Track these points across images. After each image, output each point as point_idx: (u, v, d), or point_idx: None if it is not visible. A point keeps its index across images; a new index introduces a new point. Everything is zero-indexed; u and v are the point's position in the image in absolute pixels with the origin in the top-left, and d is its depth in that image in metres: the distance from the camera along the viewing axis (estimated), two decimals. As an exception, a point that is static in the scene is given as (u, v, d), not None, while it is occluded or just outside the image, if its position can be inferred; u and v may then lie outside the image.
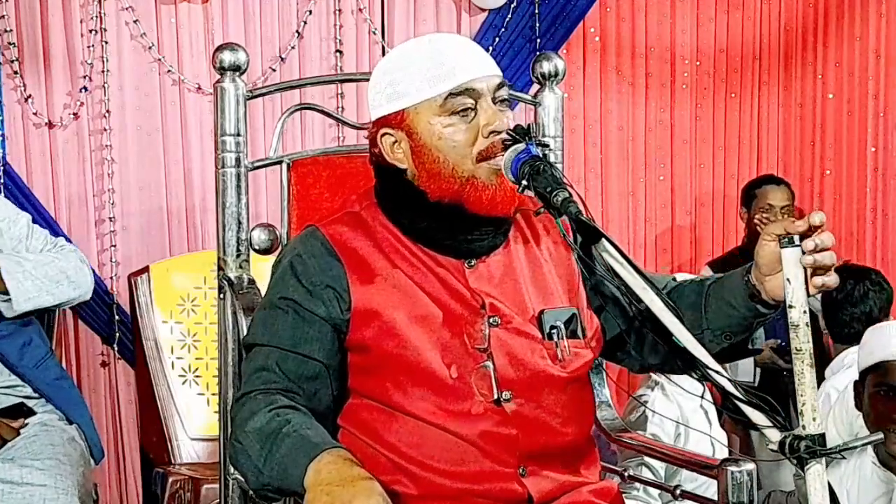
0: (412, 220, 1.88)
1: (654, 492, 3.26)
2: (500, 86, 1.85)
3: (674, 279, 2.03)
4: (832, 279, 1.68)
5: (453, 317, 1.85)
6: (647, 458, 3.15)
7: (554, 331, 1.87)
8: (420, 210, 1.86)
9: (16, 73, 3.90)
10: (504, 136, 1.80)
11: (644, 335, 1.98)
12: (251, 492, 1.92)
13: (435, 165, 1.83)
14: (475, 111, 1.82)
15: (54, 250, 2.95)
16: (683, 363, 1.89)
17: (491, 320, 1.85)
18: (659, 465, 3.23)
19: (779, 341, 4.19)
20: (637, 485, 3.14)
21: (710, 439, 3.33)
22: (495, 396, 1.82)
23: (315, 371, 1.86)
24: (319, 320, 1.85)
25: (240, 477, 2.16)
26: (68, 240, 3.80)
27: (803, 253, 1.65)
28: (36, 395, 2.86)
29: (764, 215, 4.46)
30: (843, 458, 2.87)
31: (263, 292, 2.18)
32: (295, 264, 1.89)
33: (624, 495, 1.99)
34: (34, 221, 3.02)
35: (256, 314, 1.95)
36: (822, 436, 1.58)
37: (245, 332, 2.08)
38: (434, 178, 1.84)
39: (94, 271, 3.97)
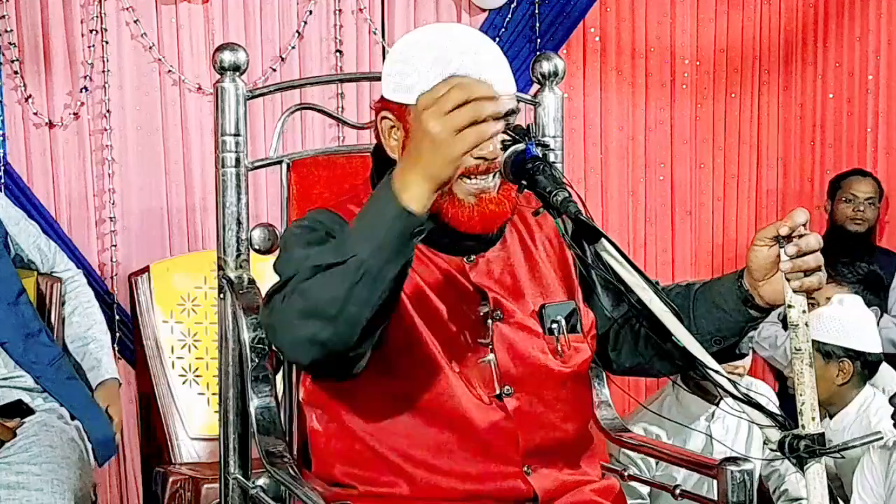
0: None
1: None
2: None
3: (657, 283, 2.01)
4: (814, 279, 1.66)
5: (456, 311, 1.85)
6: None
7: (555, 325, 1.87)
8: None
9: (16, 73, 3.90)
10: (503, 136, 1.79)
11: (622, 337, 1.98)
12: (325, 348, 1.64)
13: None
14: None
15: (72, 297, 3.17)
16: (673, 364, 1.89)
17: (494, 314, 1.86)
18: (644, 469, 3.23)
19: None
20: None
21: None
22: (497, 391, 1.83)
23: None
24: None
25: (240, 477, 2.15)
26: (63, 241, 3.81)
27: (787, 256, 1.65)
28: (37, 387, 2.86)
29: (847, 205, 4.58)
30: (843, 457, 2.87)
31: (264, 292, 2.17)
32: (307, 223, 1.83)
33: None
34: (34, 220, 3.03)
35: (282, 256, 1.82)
36: (822, 435, 1.59)
37: (239, 333, 2.08)
38: None
39: (93, 271, 4.00)
